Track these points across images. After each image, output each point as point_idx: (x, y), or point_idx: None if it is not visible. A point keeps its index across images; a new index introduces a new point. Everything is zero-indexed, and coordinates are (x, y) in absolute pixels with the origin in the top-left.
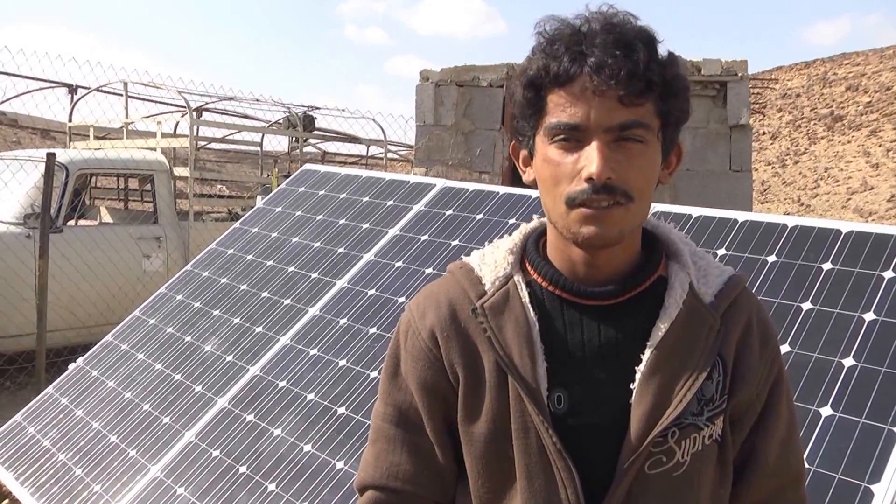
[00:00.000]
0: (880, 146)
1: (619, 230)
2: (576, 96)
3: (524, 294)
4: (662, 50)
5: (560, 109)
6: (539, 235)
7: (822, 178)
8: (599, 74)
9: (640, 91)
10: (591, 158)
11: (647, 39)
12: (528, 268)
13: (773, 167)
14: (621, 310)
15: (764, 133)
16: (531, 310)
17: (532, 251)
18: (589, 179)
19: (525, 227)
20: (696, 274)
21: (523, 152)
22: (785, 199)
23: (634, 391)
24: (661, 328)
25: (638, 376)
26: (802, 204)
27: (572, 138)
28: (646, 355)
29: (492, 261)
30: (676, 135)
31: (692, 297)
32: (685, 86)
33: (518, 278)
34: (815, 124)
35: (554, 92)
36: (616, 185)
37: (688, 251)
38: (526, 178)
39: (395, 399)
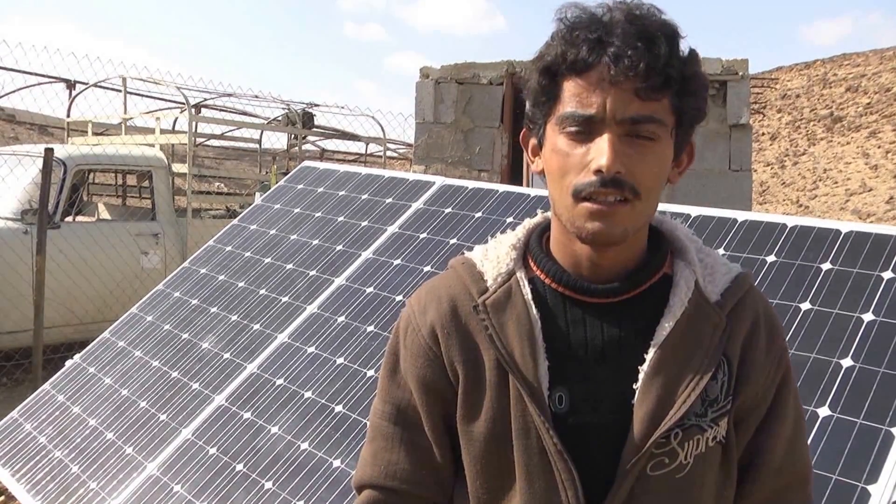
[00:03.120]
0: (879, 148)
1: (624, 228)
2: (592, 85)
3: (527, 291)
4: (684, 46)
5: (575, 98)
6: (542, 231)
7: (820, 180)
8: (618, 64)
9: (658, 85)
10: (601, 150)
11: (670, 34)
12: (531, 264)
13: (772, 168)
14: (625, 308)
15: (763, 134)
16: (533, 307)
17: (535, 247)
18: (598, 172)
19: (528, 223)
20: (703, 272)
21: (532, 141)
22: (784, 200)
23: (637, 391)
24: (666, 327)
25: (641, 376)
26: (801, 205)
27: (584, 129)
28: (649, 354)
29: (494, 256)
30: (690, 134)
31: (698, 296)
32: (704, 85)
33: (521, 275)
34: (814, 125)
35: (570, 80)
36: (624, 180)
37: (694, 248)
38: (534, 167)
39: (393, 397)
